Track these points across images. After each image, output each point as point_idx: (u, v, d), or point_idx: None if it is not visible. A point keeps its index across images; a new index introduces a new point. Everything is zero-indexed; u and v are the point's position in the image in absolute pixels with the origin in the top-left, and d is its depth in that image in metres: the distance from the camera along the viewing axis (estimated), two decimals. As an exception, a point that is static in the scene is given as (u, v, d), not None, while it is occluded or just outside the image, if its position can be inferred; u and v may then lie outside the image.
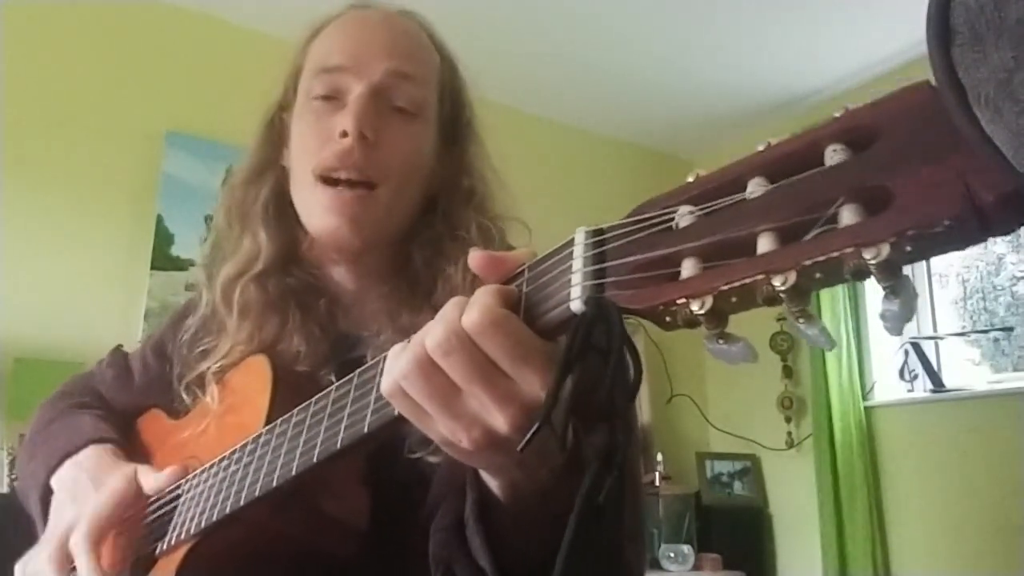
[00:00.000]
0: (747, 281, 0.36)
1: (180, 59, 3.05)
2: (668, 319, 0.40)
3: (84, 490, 0.84)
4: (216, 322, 0.90)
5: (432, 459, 0.69)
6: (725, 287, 0.37)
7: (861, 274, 0.32)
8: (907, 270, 0.32)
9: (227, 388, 0.85)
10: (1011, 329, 3.33)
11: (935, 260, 3.41)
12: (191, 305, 0.98)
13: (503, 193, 0.93)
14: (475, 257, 0.52)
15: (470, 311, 0.46)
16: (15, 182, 2.65)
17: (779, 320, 3.66)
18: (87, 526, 0.79)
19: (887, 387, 3.44)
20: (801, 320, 0.35)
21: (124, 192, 2.89)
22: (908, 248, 0.31)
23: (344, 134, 0.80)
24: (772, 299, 0.35)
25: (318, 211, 0.83)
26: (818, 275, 0.34)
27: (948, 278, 3.52)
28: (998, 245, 3.45)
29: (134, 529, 0.84)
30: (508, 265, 0.51)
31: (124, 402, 1.02)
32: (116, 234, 2.85)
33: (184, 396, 0.89)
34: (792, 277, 0.34)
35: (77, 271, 2.76)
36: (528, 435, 0.42)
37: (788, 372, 3.71)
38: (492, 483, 0.56)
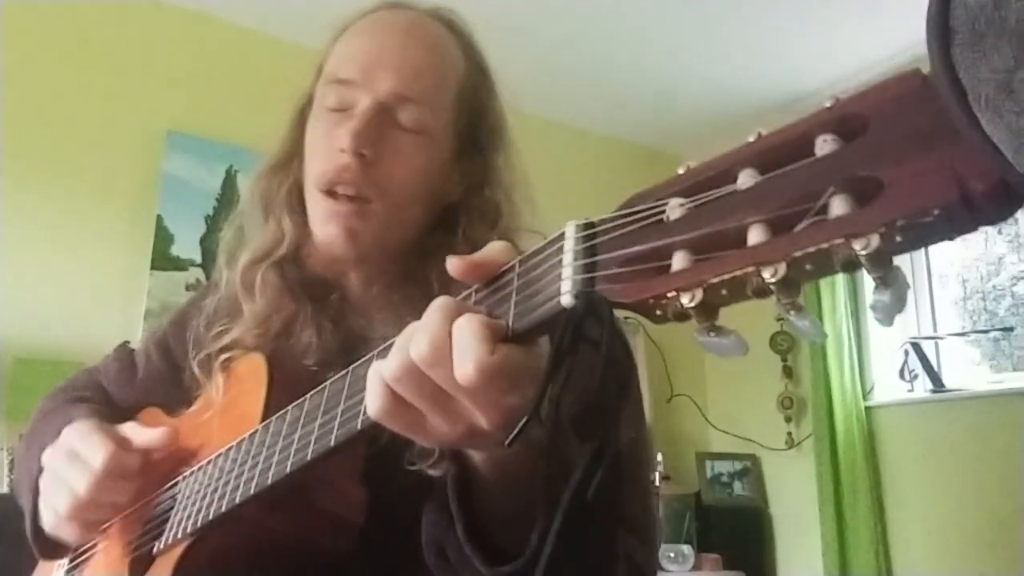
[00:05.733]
0: (737, 273, 0.35)
1: (180, 59, 3.04)
2: (658, 312, 0.40)
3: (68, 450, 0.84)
4: (233, 304, 0.90)
5: (432, 472, 0.68)
6: (715, 280, 0.36)
7: (851, 265, 0.32)
8: (900, 261, 0.31)
9: (227, 384, 0.86)
10: (1011, 329, 3.33)
11: (935, 260, 3.43)
12: (198, 300, 0.99)
13: (528, 205, 0.91)
14: (454, 265, 0.52)
15: (460, 356, 0.46)
16: (15, 182, 2.65)
17: (779, 320, 3.65)
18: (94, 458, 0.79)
19: (887, 387, 3.44)
20: (792, 312, 0.35)
21: (124, 192, 2.89)
22: (898, 238, 0.30)
23: (343, 150, 0.81)
24: (762, 291, 0.35)
25: (318, 220, 0.84)
26: (808, 267, 0.33)
27: (948, 278, 3.52)
28: (998, 245, 3.45)
29: (132, 528, 0.84)
30: (488, 268, 0.52)
31: (127, 397, 1.03)
32: (116, 234, 2.85)
33: (197, 373, 0.89)
34: (782, 269, 0.34)
35: (77, 271, 2.75)
36: (515, 431, 0.41)
37: (788, 372, 3.71)
38: (476, 457, 0.56)
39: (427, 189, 0.86)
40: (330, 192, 0.82)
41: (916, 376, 3.35)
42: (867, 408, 3.42)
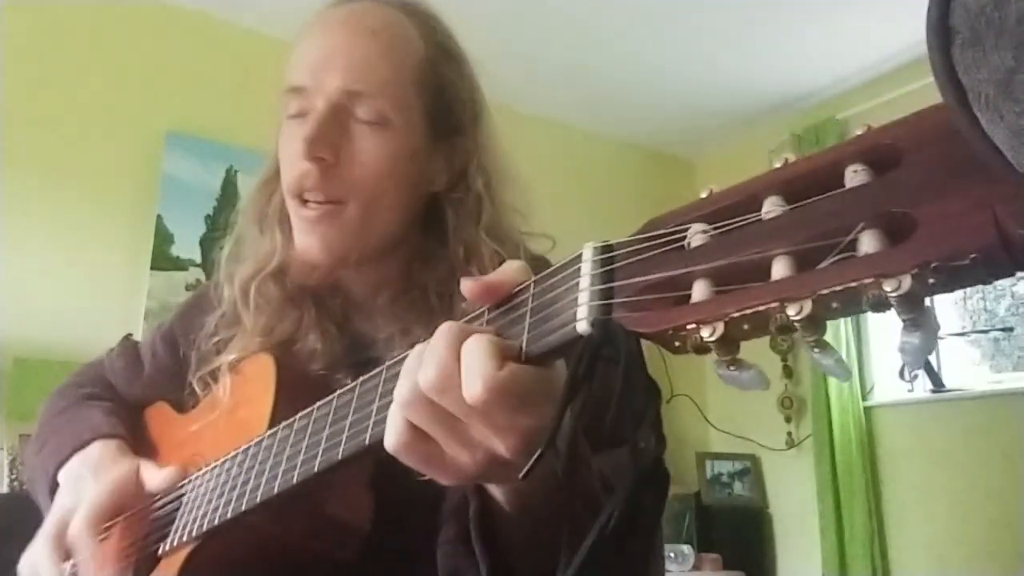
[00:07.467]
0: (760, 308, 0.34)
1: (180, 59, 3.03)
2: (677, 344, 0.39)
3: (84, 483, 0.85)
4: (235, 319, 0.90)
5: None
6: (737, 314, 0.35)
7: (880, 305, 0.31)
8: (928, 301, 0.30)
9: (235, 384, 0.86)
10: (1011, 329, 3.33)
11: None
12: (203, 296, 0.99)
13: (516, 192, 0.90)
14: (468, 288, 0.51)
15: (468, 375, 0.45)
16: (15, 182, 2.64)
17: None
18: (85, 515, 0.79)
19: (887, 387, 3.44)
20: (816, 350, 0.34)
21: (124, 192, 2.88)
22: (931, 280, 0.29)
23: (302, 157, 0.80)
24: (786, 328, 0.34)
25: (296, 230, 0.84)
26: (835, 305, 0.32)
27: (949, 278, 3.52)
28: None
29: (137, 528, 0.84)
30: (504, 289, 0.51)
31: (133, 392, 1.03)
32: (116, 234, 2.84)
33: (197, 389, 0.89)
34: (808, 306, 0.33)
35: (77, 271, 2.75)
36: (530, 462, 0.41)
37: (788, 372, 3.71)
38: (496, 491, 0.55)
39: (401, 179, 0.84)
40: (300, 199, 0.82)
41: (916, 376, 3.35)
42: (867, 408, 3.42)
